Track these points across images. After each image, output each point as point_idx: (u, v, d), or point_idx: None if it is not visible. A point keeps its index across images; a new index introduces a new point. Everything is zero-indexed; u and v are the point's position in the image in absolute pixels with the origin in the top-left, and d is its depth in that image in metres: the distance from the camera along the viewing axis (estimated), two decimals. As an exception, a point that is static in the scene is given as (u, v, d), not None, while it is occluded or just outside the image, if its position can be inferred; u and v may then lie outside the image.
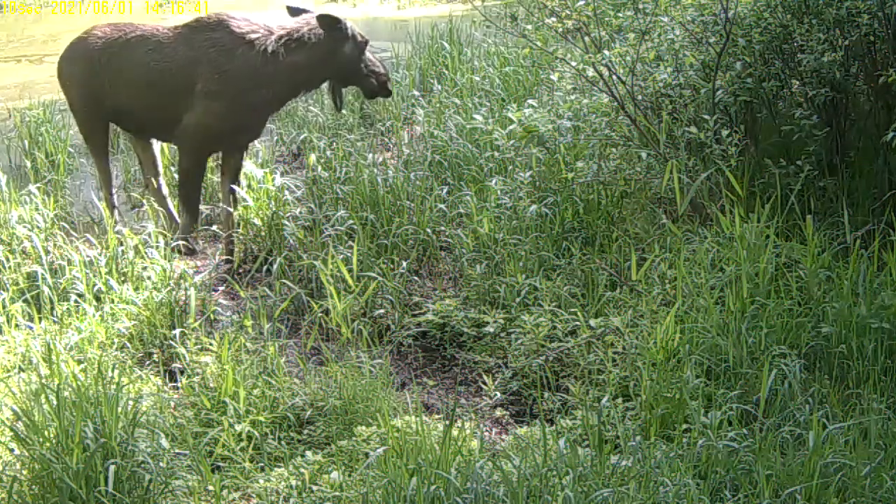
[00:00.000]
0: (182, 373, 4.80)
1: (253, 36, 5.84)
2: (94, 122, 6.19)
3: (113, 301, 5.24)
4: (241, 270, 6.00)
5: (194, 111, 5.81)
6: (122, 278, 5.39)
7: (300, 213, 6.14)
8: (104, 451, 3.86)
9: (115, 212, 6.25)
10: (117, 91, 6.01)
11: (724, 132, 5.26)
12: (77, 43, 6.20)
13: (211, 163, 6.93)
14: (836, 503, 3.62)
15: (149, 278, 5.38)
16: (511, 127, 6.33)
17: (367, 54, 6.10)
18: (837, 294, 4.60)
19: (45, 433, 3.94)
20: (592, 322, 4.91)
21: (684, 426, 4.11)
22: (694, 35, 5.73)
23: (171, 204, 6.38)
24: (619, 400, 4.42)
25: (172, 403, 4.59)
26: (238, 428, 4.32)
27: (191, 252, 6.11)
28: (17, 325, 5.18)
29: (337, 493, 3.91)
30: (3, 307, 5.29)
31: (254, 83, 5.84)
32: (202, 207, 6.65)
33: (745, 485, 3.74)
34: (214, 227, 6.46)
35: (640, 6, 5.80)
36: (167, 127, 5.99)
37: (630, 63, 5.70)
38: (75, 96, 6.20)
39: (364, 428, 4.31)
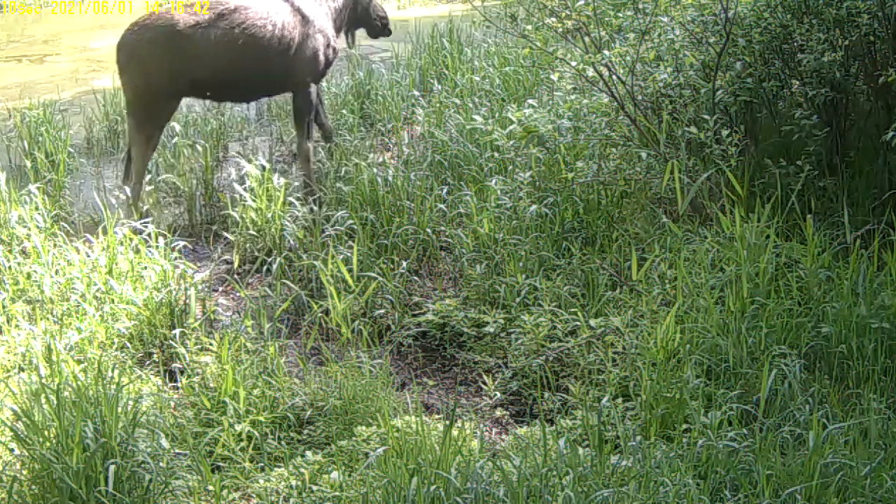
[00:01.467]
0: (182, 373, 4.80)
1: None
2: (167, 102, 6.39)
3: (113, 301, 5.23)
4: (241, 270, 6.00)
5: (303, 52, 6.56)
6: (123, 278, 5.39)
7: (300, 213, 6.13)
8: (104, 451, 3.86)
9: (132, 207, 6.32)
10: (208, 62, 6.28)
11: (724, 132, 5.26)
12: (154, 24, 6.26)
13: (209, 160, 6.94)
14: (836, 503, 3.62)
15: (149, 278, 5.37)
16: (511, 127, 6.33)
17: (375, 1, 7.38)
18: (837, 294, 4.60)
19: (45, 433, 3.94)
20: (592, 322, 4.91)
21: (684, 426, 4.11)
22: (694, 35, 5.73)
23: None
24: (619, 400, 4.42)
25: (172, 403, 4.59)
26: (238, 428, 4.32)
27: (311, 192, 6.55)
28: (17, 325, 5.18)
29: (337, 493, 3.91)
30: (3, 307, 5.29)
31: (325, 23, 6.78)
32: (196, 212, 6.68)
33: (745, 485, 3.74)
34: (215, 228, 6.46)
35: (640, 6, 5.80)
36: (266, 82, 6.65)
37: (630, 63, 5.70)
38: (151, 77, 6.26)
39: (364, 428, 4.31)
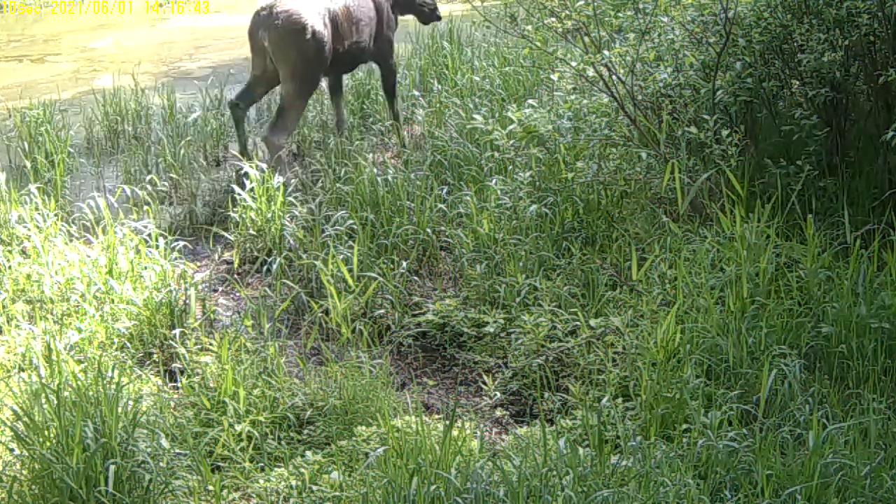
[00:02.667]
0: (182, 373, 4.80)
1: None
2: (323, 69, 7.05)
3: (113, 301, 5.24)
4: (241, 270, 6.00)
5: (384, 33, 7.47)
6: (123, 278, 5.39)
7: (300, 213, 6.14)
8: (104, 451, 3.86)
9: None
10: (349, 36, 7.11)
11: (724, 132, 5.26)
12: (315, 3, 6.91)
13: (211, 161, 6.94)
14: (836, 503, 3.62)
15: (149, 278, 5.38)
16: (511, 127, 6.34)
17: None
18: (837, 294, 4.60)
19: (46, 433, 3.94)
20: (592, 322, 4.91)
21: (684, 426, 4.11)
22: (694, 35, 5.73)
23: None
24: (619, 400, 4.42)
25: (172, 403, 4.59)
26: (238, 428, 4.32)
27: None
28: (17, 325, 5.18)
29: (337, 493, 3.91)
30: (3, 307, 5.29)
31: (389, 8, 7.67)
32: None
33: (745, 485, 3.74)
34: (215, 228, 6.45)
35: (640, 6, 5.80)
36: (364, 55, 7.43)
37: (630, 63, 5.70)
38: (317, 49, 6.84)
39: (364, 428, 4.31)
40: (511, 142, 6.32)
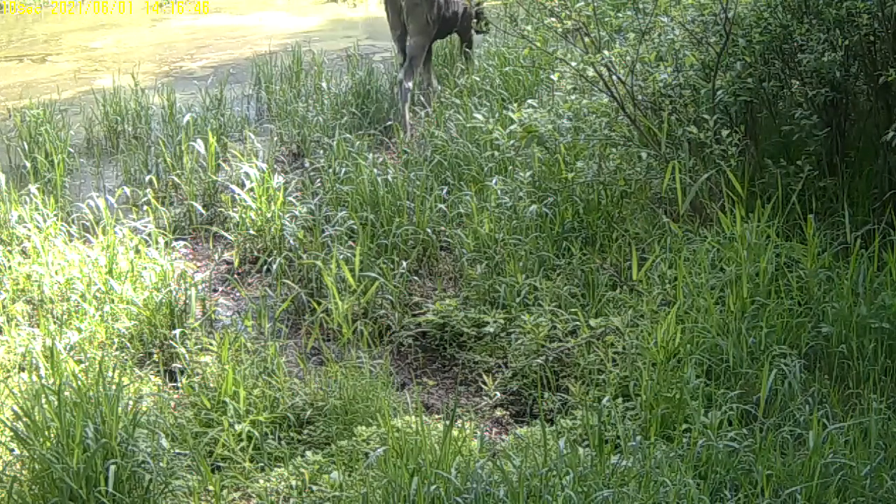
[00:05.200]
0: (182, 373, 4.80)
1: None
2: (434, 31, 8.36)
3: (113, 301, 5.24)
4: (241, 270, 6.00)
5: (468, 11, 8.68)
6: (123, 278, 5.39)
7: (300, 213, 6.14)
8: (104, 451, 3.86)
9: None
10: (446, 10, 8.34)
11: (724, 132, 5.26)
12: None
13: (213, 162, 6.94)
14: (836, 503, 3.62)
15: (149, 278, 5.37)
16: (512, 127, 6.34)
17: None
18: (837, 294, 4.60)
19: (46, 433, 3.94)
20: (592, 322, 4.91)
21: (684, 426, 4.11)
22: (694, 35, 5.73)
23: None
24: (619, 400, 4.42)
25: (172, 403, 4.59)
26: (238, 428, 4.32)
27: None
28: (17, 325, 5.18)
29: (337, 493, 3.91)
30: (3, 307, 5.29)
31: None
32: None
33: (745, 485, 3.75)
34: (215, 228, 6.45)
35: (640, 6, 5.80)
36: (452, 28, 8.68)
37: (630, 63, 5.70)
38: (437, 15, 8.23)
39: (364, 428, 4.31)
40: (511, 142, 6.32)
